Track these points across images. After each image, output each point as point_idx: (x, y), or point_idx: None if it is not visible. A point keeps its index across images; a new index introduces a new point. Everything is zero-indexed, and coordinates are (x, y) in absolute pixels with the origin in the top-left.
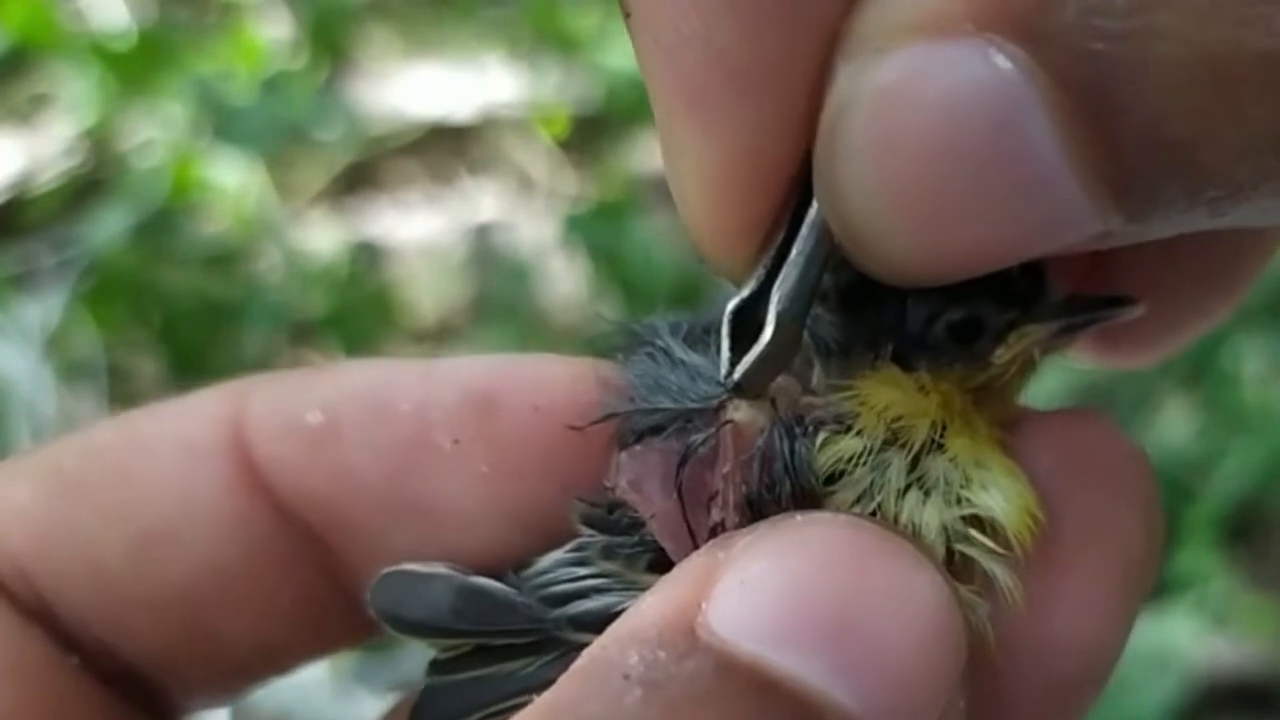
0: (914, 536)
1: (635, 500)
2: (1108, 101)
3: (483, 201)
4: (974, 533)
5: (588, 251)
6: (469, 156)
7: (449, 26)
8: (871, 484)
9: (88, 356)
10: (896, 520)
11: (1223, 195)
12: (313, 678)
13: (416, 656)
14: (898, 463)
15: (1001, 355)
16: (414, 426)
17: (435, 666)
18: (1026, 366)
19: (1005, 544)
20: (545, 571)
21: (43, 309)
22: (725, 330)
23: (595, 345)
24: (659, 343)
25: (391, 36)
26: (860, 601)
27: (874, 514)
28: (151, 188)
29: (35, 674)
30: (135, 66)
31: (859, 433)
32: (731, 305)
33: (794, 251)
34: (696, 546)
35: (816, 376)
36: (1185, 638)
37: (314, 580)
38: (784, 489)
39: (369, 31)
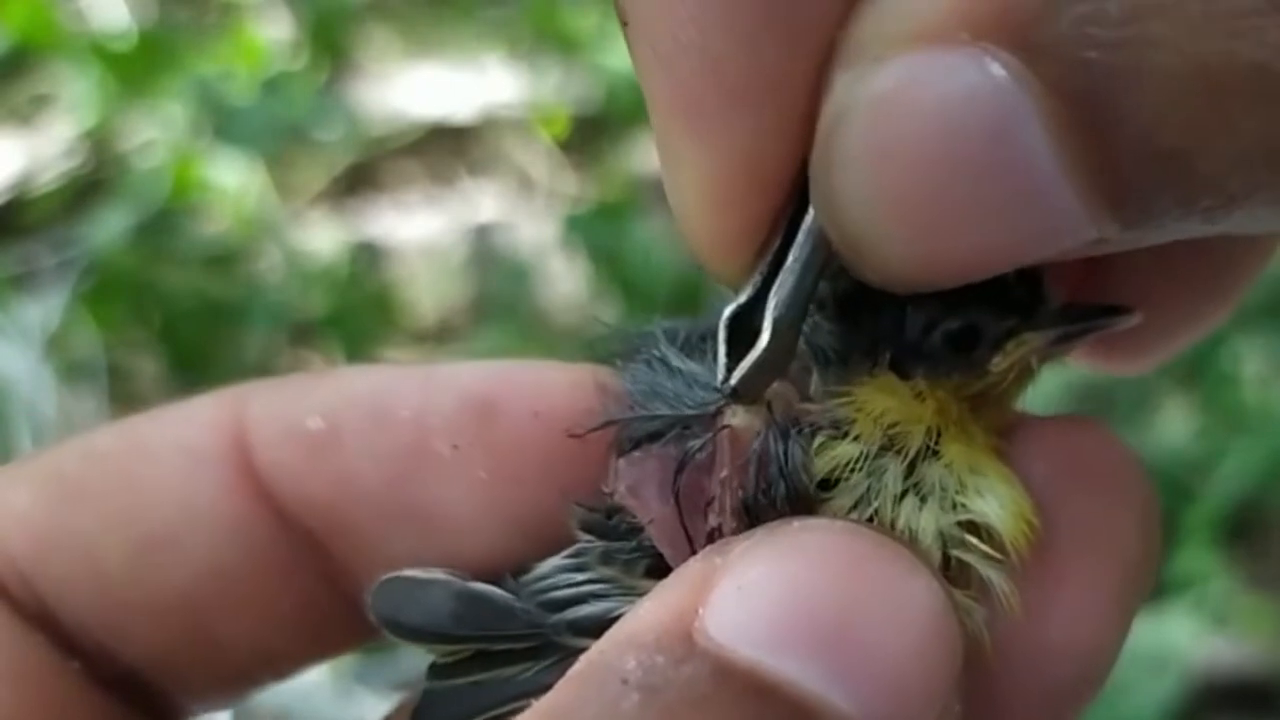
0: (910, 542)
1: (633, 506)
2: (1102, 110)
3: (483, 202)
4: (970, 538)
5: (588, 252)
6: (469, 157)
7: (449, 27)
8: (868, 490)
9: (88, 357)
10: (893, 525)
11: (1216, 205)
12: (313, 678)
13: (416, 658)
14: (894, 468)
15: (999, 363)
16: (413, 432)
17: (434, 671)
18: (1024, 374)
19: (1001, 550)
20: (544, 577)
21: (43, 309)
22: (722, 336)
23: (593, 350)
24: (655, 351)
25: (392, 37)
26: (857, 606)
27: (871, 519)
28: (152, 188)
29: (36, 678)
30: (135, 67)
31: (855, 438)
32: (728, 311)
33: (790, 258)
34: (694, 552)
35: (814, 384)
36: (1184, 637)
37: (314, 585)
38: (779, 492)
39: (369, 32)
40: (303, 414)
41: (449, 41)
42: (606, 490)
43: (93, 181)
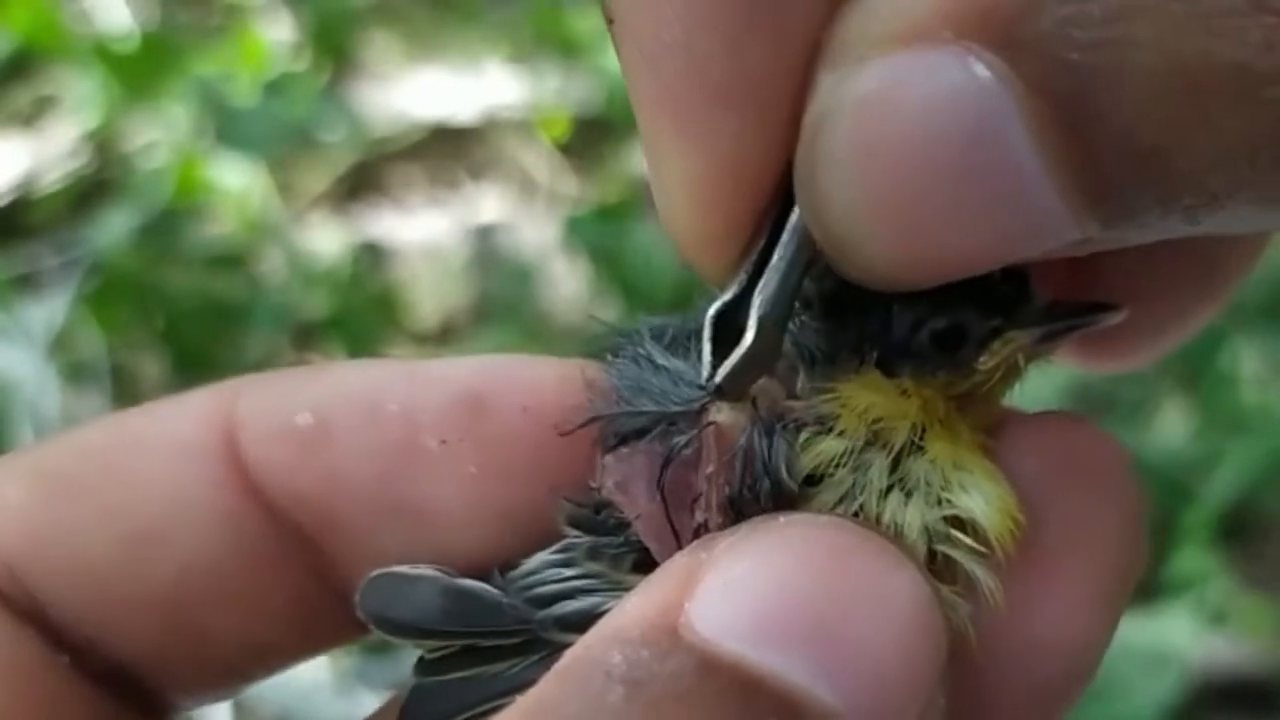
0: (896, 537)
1: (621, 501)
2: (1084, 110)
3: (484, 204)
4: (956, 533)
5: (589, 253)
6: (471, 159)
7: (451, 29)
8: (854, 485)
9: (92, 357)
10: (879, 521)
11: (1198, 204)
12: (313, 678)
13: (416, 657)
14: (879, 464)
15: (985, 362)
16: (403, 428)
17: (423, 666)
18: (1011, 372)
19: (987, 545)
20: (532, 572)
21: (47, 310)
22: (707, 334)
23: (586, 347)
24: (641, 349)
25: (394, 39)
26: (841, 600)
27: (856, 515)
28: (155, 190)
29: (26, 673)
30: (139, 69)
31: (840, 434)
32: (713, 309)
33: (775, 257)
34: (681, 547)
35: (801, 383)
36: (1183, 637)
37: (304, 580)
38: (764, 488)
39: (371, 34)
40: (292, 409)
41: (451, 44)
42: (594, 486)
43: (96, 183)
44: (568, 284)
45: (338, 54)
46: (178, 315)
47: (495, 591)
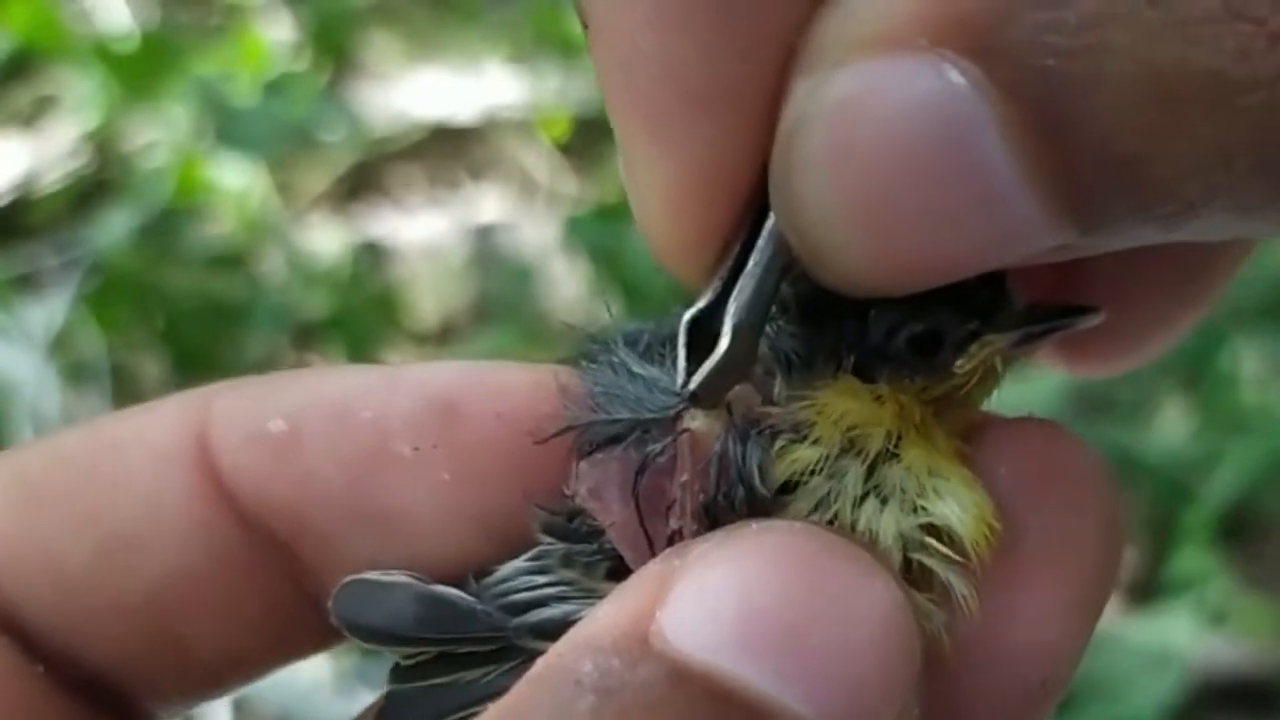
0: (870, 544)
1: (595, 508)
2: (1060, 117)
3: (484, 204)
4: (931, 541)
5: (588, 253)
6: (471, 159)
7: (451, 30)
8: (829, 492)
9: (92, 358)
10: (854, 528)
11: (1174, 212)
12: (313, 678)
13: (392, 663)
14: (854, 471)
15: (963, 365)
16: (375, 434)
17: (398, 673)
18: (988, 376)
19: (962, 553)
20: (505, 579)
21: (47, 310)
22: (682, 340)
23: (563, 353)
24: (615, 355)
25: (394, 39)
26: (814, 609)
27: (831, 522)
28: (155, 189)
29: (1, 682)
30: (139, 69)
31: (816, 441)
32: (688, 316)
33: (751, 263)
34: (655, 555)
35: (778, 388)
36: (1183, 637)
37: (279, 587)
38: (739, 495)
39: (371, 34)
40: (265, 416)
41: (451, 44)
42: (568, 493)
43: (96, 183)
44: (568, 284)
45: (338, 54)
46: (178, 315)
47: (469, 598)
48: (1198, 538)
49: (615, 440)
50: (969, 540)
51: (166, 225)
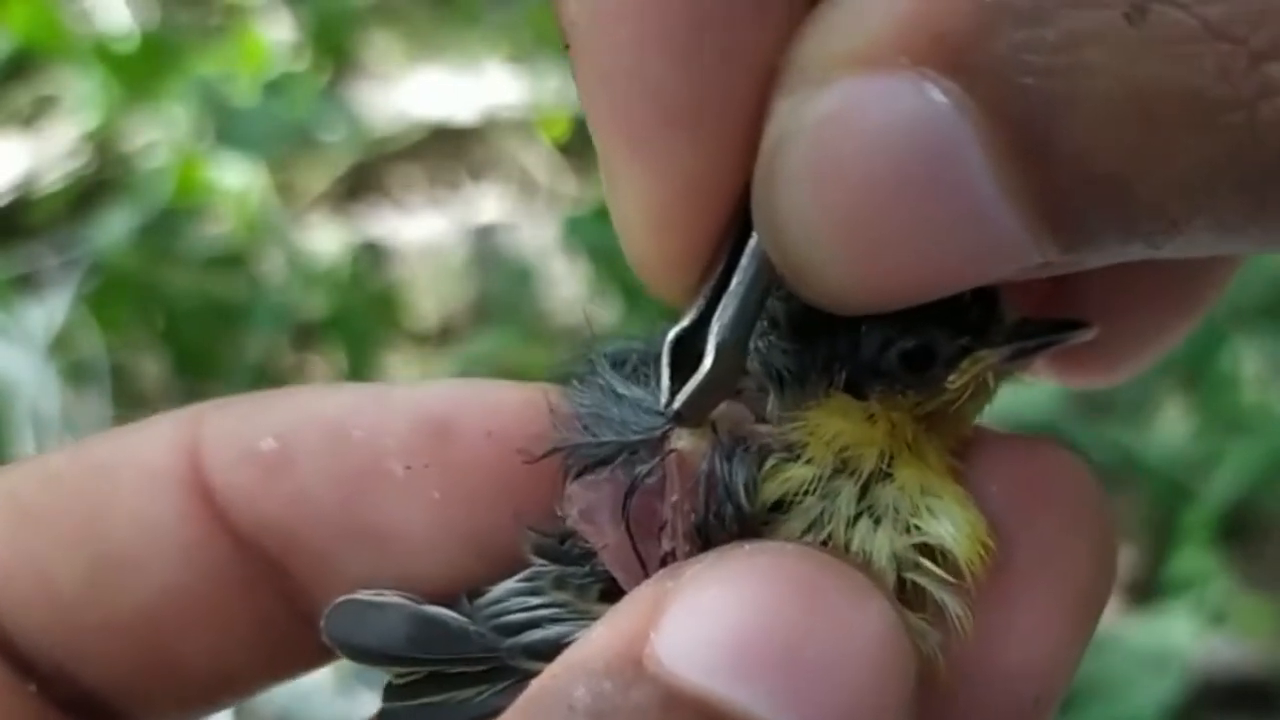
0: (865, 565)
1: (587, 531)
2: (1040, 135)
3: (484, 204)
4: (924, 561)
5: (588, 253)
6: (471, 159)
7: (451, 30)
8: (822, 513)
9: (92, 358)
10: (848, 548)
11: (1157, 230)
12: (313, 678)
13: (385, 681)
14: (847, 491)
15: (955, 381)
16: (367, 453)
17: (391, 691)
18: (980, 391)
19: (956, 572)
20: (498, 600)
21: (47, 311)
22: (665, 359)
23: (562, 354)
24: (600, 377)
25: (394, 39)
26: (808, 631)
27: (825, 543)
28: (155, 190)
29: None
30: (139, 69)
31: (809, 461)
32: (672, 335)
33: (734, 281)
34: (647, 576)
35: (770, 406)
36: (1183, 637)
37: (271, 605)
38: (728, 512)
39: (371, 34)
40: (257, 434)
41: (451, 44)
42: (560, 515)
43: (96, 183)
44: (568, 284)
45: (338, 54)
46: (178, 315)
47: (461, 619)
48: (1198, 538)
49: (603, 463)
50: (963, 559)
51: (166, 225)
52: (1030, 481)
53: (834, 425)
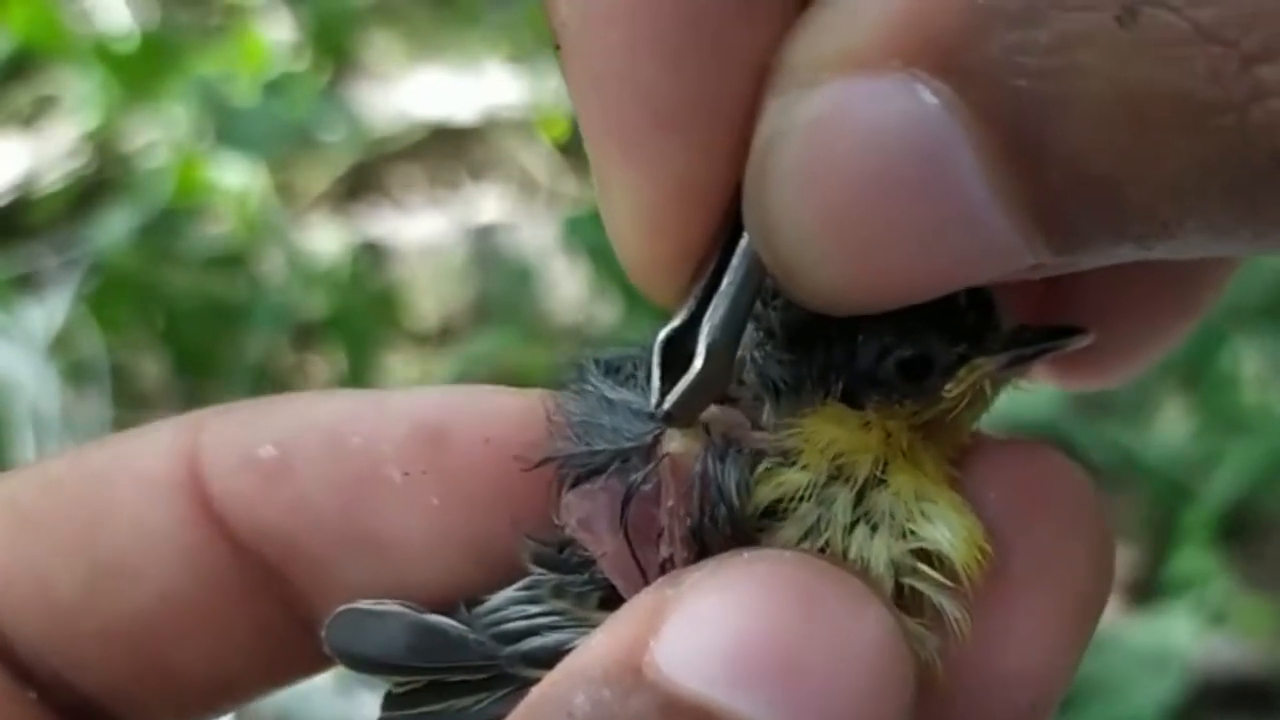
0: (863, 572)
1: (585, 539)
2: (1032, 137)
3: (484, 204)
4: (922, 566)
5: (589, 253)
6: (471, 159)
7: (451, 30)
8: (818, 519)
9: (92, 358)
10: (845, 555)
11: (1148, 232)
12: (313, 679)
13: (385, 690)
14: (843, 498)
15: (952, 390)
16: (365, 460)
17: (390, 700)
18: (977, 399)
19: (954, 577)
20: (497, 609)
21: (47, 311)
22: (656, 360)
23: (562, 354)
24: (589, 384)
25: (394, 39)
26: (807, 638)
27: (823, 549)
28: (155, 189)
29: None
30: (139, 69)
31: (804, 467)
32: (662, 335)
33: (725, 281)
34: (647, 583)
35: (766, 415)
36: (1183, 637)
37: (270, 612)
38: (722, 514)
39: (371, 34)
40: (255, 441)
41: (451, 44)
42: (558, 523)
43: (96, 183)
44: (568, 284)
45: (338, 54)
46: (178, 315)
47: (460, 627)
48: (1198, 538)
49: (598, 471)
50: (960, 564)
51: (166, 225)
52: (1027, 487)
53: (828, 433)
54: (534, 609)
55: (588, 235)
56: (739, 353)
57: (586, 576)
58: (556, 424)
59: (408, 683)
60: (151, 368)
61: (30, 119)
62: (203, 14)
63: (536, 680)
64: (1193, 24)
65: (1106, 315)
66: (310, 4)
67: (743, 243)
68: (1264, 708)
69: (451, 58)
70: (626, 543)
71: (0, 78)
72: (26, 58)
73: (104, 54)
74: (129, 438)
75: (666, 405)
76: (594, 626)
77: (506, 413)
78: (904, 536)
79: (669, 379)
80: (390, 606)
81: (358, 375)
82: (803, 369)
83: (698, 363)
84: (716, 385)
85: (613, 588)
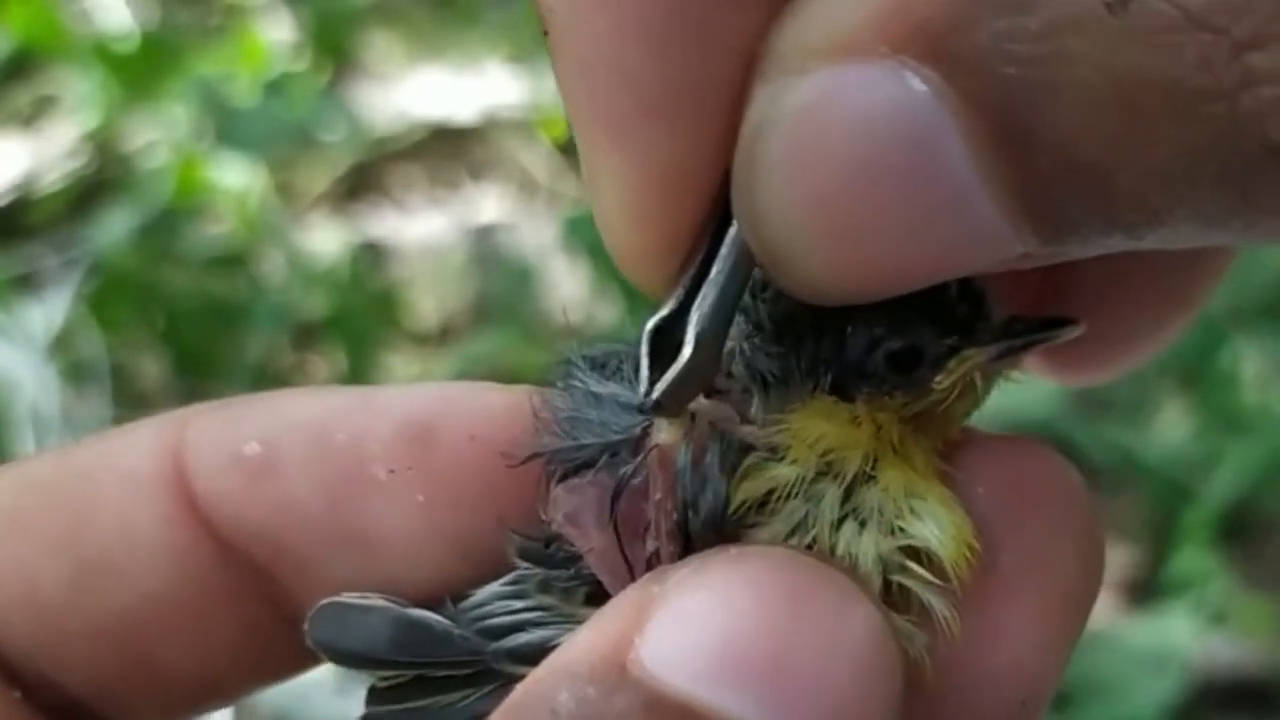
0: (851, 568)
1: (572, 534)
2: (1020, 125)
3: (484, 204)
4: (910, 563)
5: (589, 253)
6: (471, 159)
7: (451, 30)
8: (806, 515)
9: (92, 358)
10: (833, 551)
11: (1137, 220)
12: (313, 678)
13: (369, 685)
14: (831, 494)
15: (942, 381)
16: (351, 457)
17: (374, 695)
18: (968, 392)
19: (942, 574)
20: (483, 604)
21: (47, 311)
22: (644, 349)
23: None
24: (576, 379)
25: (394, 39)
26: (795, 636)
27: (810, 546)
28: (155, 189)
29: None
30: (139, 69)
31: (792, 463)
32: (650, 324)
33: (714, 271)
34: (634, 579)
35: (755, 408)
36: (1183, 637)
37: (256, 610)
38: (706, 502)
39: (371, 34)
40: (240, 439)
41: (451, 44)
42: (545, 518)
43: (96, 183)
44: (568, 284)
45: (338, 54)
46: (178, 315)
47: (446, 622)
48: (1198, 538)
49: (586, 466)
50: (949, 561)
51: (166, 225)
52: (1017, 483)
53: (817, 428)
54: (519, 604)
55: (587, 235)
56: (728, 344)
57: (573, 571)
58: (543, 420)
59: (392, 677)
60: (151, 368)
61: (30, 119)
62: (203, 14)
63: (521, 676)
64: (1183, 11)
65: (1102, 308)
66: (310, 4)
67: (731, 231)
68: (1264, 708)
69: (451, 58)
70: (615, 537)
71: (0, 78)
72: (26, 58)
73: (104, 54)
74: (113, 436)
75: (655, 394)
76: (580, 622)
77: (493, 409)
78: (892, 533)
79: (658, 368)
80: (374, 600)
81: (358, 375)
82: (791, 361)
83: (686, 351)
84: (705, 374)
85: (599, 583)
